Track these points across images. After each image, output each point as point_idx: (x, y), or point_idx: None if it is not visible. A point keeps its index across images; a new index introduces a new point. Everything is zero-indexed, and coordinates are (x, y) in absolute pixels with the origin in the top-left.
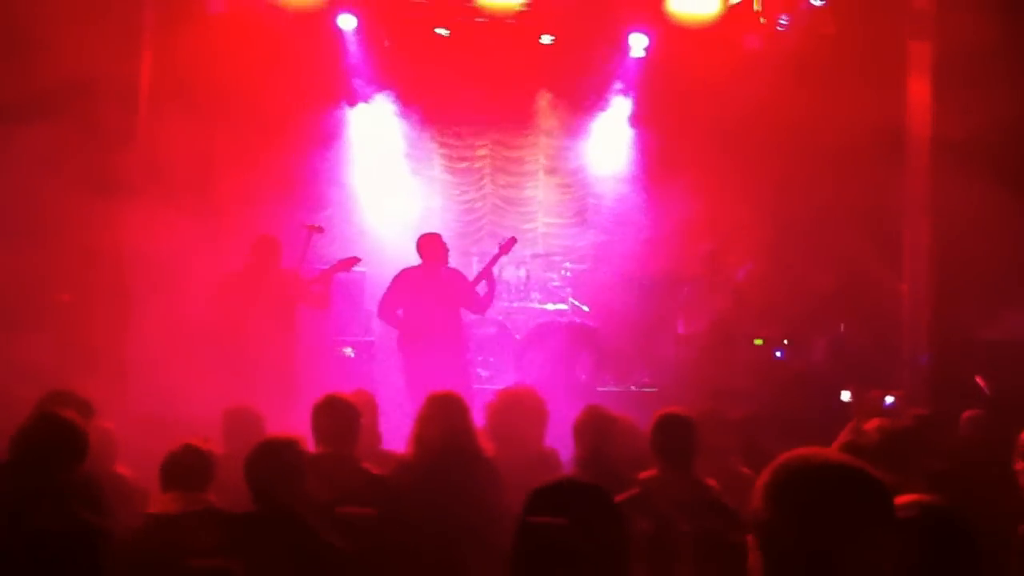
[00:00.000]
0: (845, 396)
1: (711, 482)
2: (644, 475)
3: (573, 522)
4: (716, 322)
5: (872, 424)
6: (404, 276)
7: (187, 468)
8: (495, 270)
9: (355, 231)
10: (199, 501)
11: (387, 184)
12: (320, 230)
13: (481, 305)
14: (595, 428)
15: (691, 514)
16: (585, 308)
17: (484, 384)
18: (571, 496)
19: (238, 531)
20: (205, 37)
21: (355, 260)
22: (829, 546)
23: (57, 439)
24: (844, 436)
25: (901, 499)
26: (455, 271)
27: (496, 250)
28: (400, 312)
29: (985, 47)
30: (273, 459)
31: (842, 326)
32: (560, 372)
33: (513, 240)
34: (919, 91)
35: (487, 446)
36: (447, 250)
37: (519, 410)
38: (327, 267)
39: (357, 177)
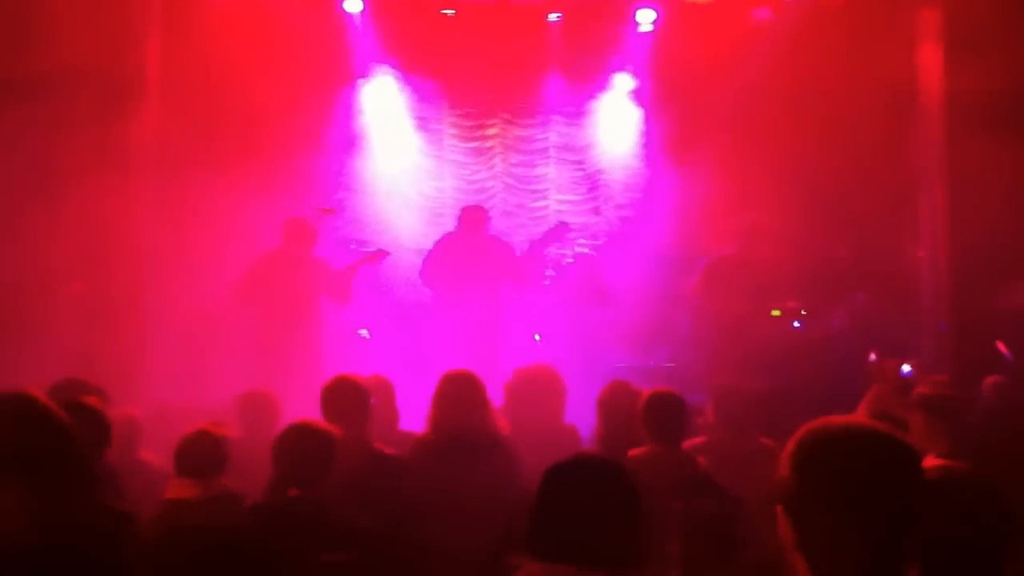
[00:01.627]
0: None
1: (700, 460)
2: (633, 453)
3: (590, 499)
4: (742, 296)
5: (918, 391)
6: (446, 240)
7: (201, 454)
8: None
9: (366, 213)
10: (214, 486)
11: (397, 165)
12: (332, 212)
13: (525, 279)
14: (619, 403)
15: (680, 492)
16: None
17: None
18: (588, 472)
19: (259, 515)
20: (211, 21)
21: (384, 254)
22: (858, 512)
23: (83, 427)
24: (865, 405)
25: (926, 463)
26: (499, 241)
27: (545, 234)
28: (441, 275)
29: (994, 10)
30: (306, 442)
31: (861, 295)
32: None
33: (565, 226)
34: (930, 57)
35: (502, 424)
36: (488, 220)
37: (536, 387)
38: (355, 260)
39: (367, 159)
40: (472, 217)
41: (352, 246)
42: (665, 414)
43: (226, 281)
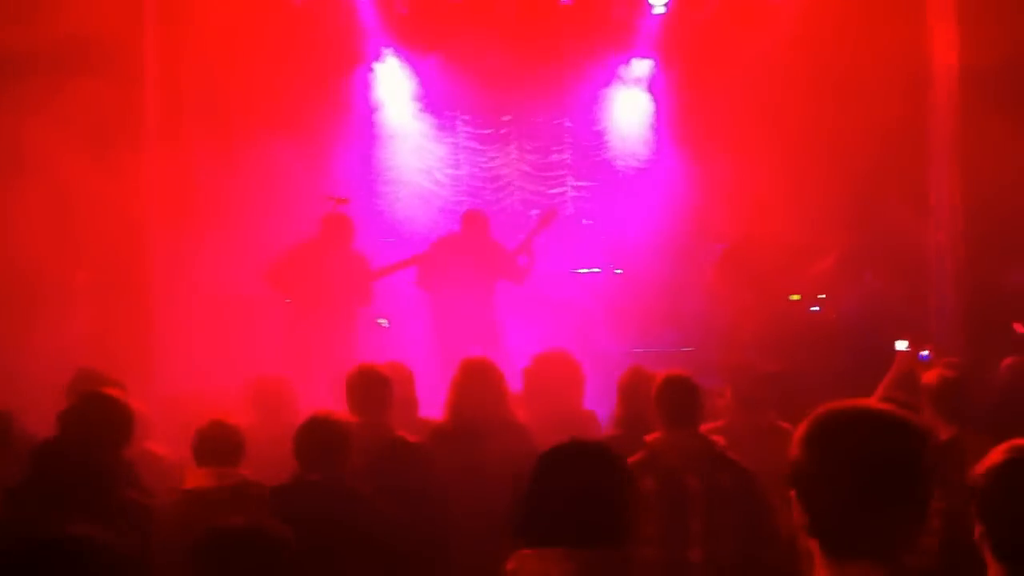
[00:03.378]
0: (901, 345)
1: (717, 438)
2: (649, 438)
3: (582, 483)
4: (752, 280)
5: (931, 374)
6: (439, 243)
7: (217, 443)
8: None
9: (380, 202)
10: (233, 476)
11: (411, 154)
12: (345, 201)
13: (520, 276)
14: (638, 388)
15: (699, 470)
16: (618, 271)
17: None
18: (579, 457)
19: (281, 501)
20: (213, 10)
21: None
22: (868, 494)
23: (108, 418)
24: (882, 390)
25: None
26: (494, 242)
27: (536, 222)
28: (436, 279)
29: None
30: (325, 431)
31: (874, 277)
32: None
33: (554, 213)
34: (943, 34)
35: (520, 412)
36: (488, 224)
37: (555, 373)
38: (396, 261)
39: (380, 148)
40: (475, 222)
41: (387, 239)
42: (679, 398)
43: (258, 266)
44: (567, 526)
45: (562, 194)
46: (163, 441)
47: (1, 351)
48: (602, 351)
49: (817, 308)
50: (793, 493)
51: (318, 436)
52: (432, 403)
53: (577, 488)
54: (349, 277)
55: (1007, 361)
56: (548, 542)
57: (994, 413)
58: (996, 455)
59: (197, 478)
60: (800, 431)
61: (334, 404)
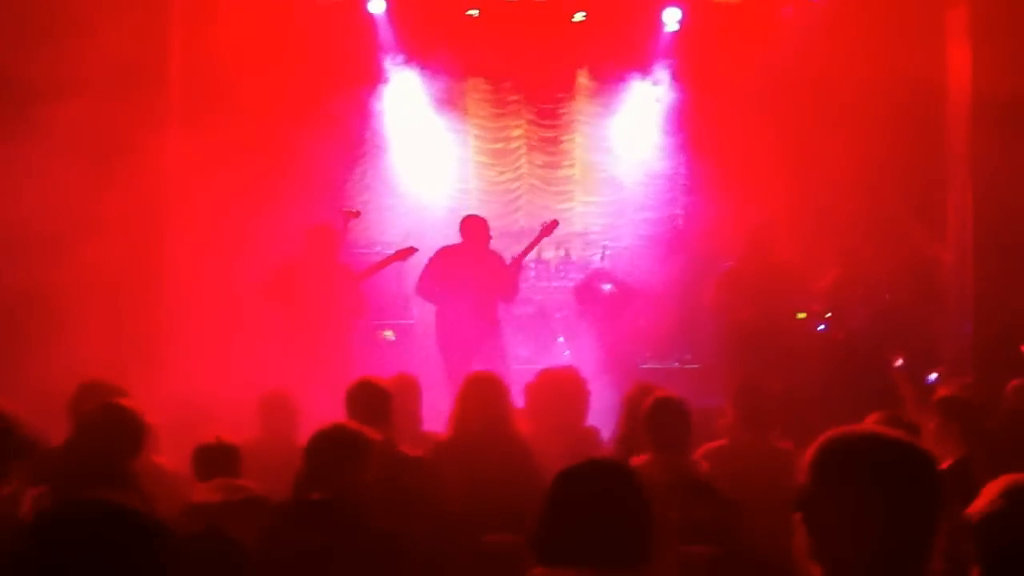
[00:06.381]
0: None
1: (704, 465)
2: (636, 460)
3: (600, 504)
4: (759, 299)
5: (944, 395)
6: (442, 253)
7: (216, 460)
8: (535, 251)
9: (390, 215)
10: (241, 490)
11: (421, 167)
12: (356, 215)
13: (510, 293)
14: (643, 405)
15: (678, 498)
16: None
17: (524, 364)
18: (598, 477)
19: (283, 518)
20: (232, 23)
21: (412, 250)
22: (876, 519)
23: (123, 427)
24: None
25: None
26: (495, 254)
27: (537, 232)
28: (438, 290)
29: (1021, 6)
30: (341, 444)
31: (888, 297)
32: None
33: (555, 223)
34: (958, 56)
35: (524, 427)
36: (489, 233)
37: (559, 390)
38: (383, 259)
39: (391, 161)
40: (474, 228)
41: (377, 248)
42: (668, 421)
43: (255, 282)
44: (589, 546)
45: (570, 209)
46: (167, 453)
47: (12, 363)
48: (609, 364)
49: (823, 327)
50: (799, 517)
51: (333, 447)
52: (438, 416)
53: (599, 507)
54: (338, 288)
55: (1013, 383)
56: (568, 562)
57: (999, 435)
58: (991, 494)
59: (204, 492)
60: (807, 457)
61: (334, 419)
